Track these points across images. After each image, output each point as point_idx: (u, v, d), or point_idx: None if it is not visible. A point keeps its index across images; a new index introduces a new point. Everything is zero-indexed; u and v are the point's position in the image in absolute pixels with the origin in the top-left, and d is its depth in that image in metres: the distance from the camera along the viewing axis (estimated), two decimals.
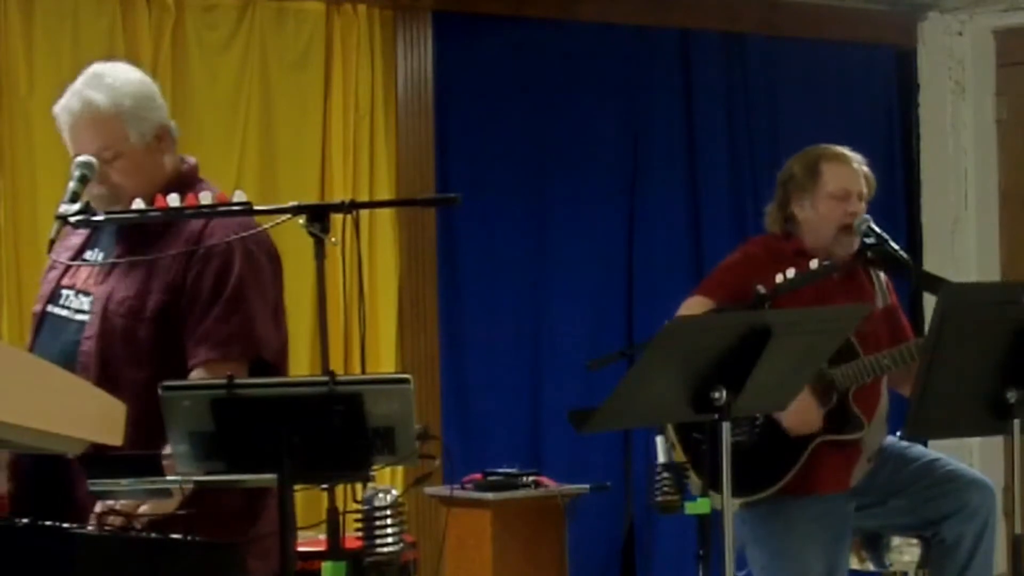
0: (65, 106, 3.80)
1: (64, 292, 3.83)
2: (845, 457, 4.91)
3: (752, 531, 4.95)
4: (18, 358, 3.15)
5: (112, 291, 3.73)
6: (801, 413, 4.75)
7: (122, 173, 3.76)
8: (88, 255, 3.86)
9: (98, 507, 3.49)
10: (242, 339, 3.67)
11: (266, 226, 3.61)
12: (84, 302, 3.77)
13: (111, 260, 3.77)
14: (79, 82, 3.82)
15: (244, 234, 3.66)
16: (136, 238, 3.75)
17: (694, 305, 4.87)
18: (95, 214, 3.64)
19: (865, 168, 5.07)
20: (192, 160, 3.95)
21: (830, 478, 4.88)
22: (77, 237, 3.89)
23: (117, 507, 3.45)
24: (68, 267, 3.85)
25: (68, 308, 3.79)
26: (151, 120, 3.80)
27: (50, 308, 3.83)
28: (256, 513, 3.69)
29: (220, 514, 3.55)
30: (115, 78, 3.82)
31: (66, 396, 3.08)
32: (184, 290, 3.68)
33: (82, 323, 3.74)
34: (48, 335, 3.81)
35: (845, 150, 5.07)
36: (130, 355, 3.65)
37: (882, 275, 5.12)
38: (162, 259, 3.69)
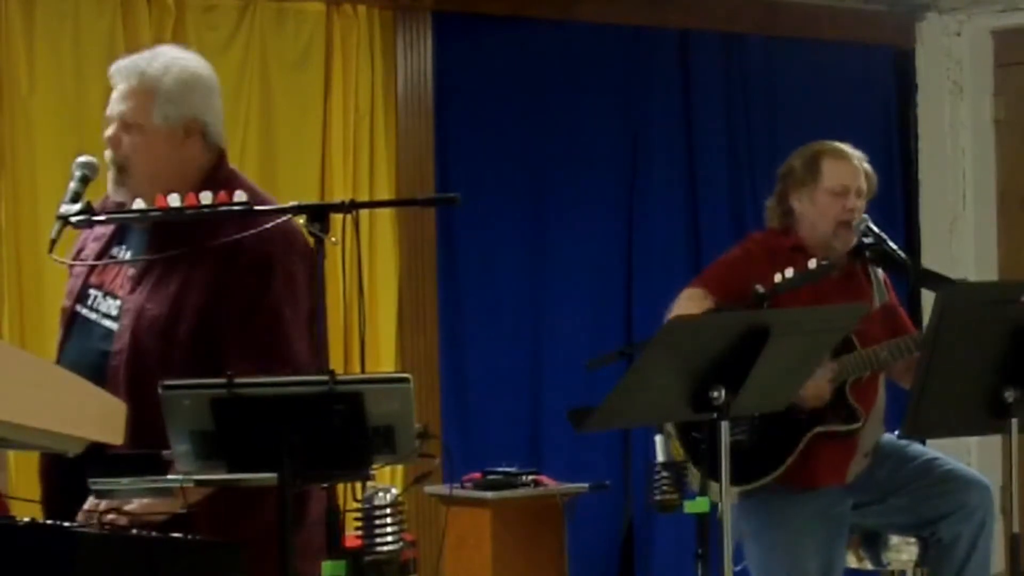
0: (120, 65, 3.78)
1: (91, 292, 3.78)
2: (842, 450, 4.94)
3: (749, 526, 4.97)
4: (18, 357, 3.14)
5: (143, 305, 3.67)
6: (812, 380, 4.74)
7: (133, 145, 3.72)
8: (115, 251, 3.81)
9: (87, 505, 3.49)
10: (279, 357, 3.61)
11: (277, 221, 3.50)
12: (112, 306, 3.72)
13: (136, 259, 3.71)
14: (150, 51, 3.82)
15: (251, 231, 3.53)
16: (166, 244, 3.67)
17: (690, 297, 4.89)
18: (96, 214, 3.63)
19: (866, 165, 5.09)
20: (220, 151, 3.87)
21: (826, 471, 4.91)
22: (105, 227, 3.81)
23: (102, 507, 3.44)
24: (96, 261, 3.80)
25: (96, 311, 3.75)
26: (183, 108, 3.74)
27: (78, 308, 3.79)
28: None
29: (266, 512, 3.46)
30: (173, 58, 3.78)
31: (66, 395, 3.07)
32: (217, 315, 3.61)
33: (109, 331, 3.69)
34: (77, 339, 3.76)
35: (846, 147, 5.09)
36: (163, 378, 3.46)
37: (880, 272, 5.13)
38: (193, 276, 3.63)
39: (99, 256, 3.83)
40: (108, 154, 3.74)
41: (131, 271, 3.73)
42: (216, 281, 3.62)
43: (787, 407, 4.51)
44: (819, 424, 4.86)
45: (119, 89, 3.77)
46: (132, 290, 3.71)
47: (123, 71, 3.77)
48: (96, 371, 3.59)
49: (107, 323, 3.72)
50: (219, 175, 3.79)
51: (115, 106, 3.76)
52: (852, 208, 4.97)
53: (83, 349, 3.74)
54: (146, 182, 3.71)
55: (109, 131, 3.77)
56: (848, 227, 4.97)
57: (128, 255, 3.78)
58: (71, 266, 3.87)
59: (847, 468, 4.95)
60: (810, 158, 5.04)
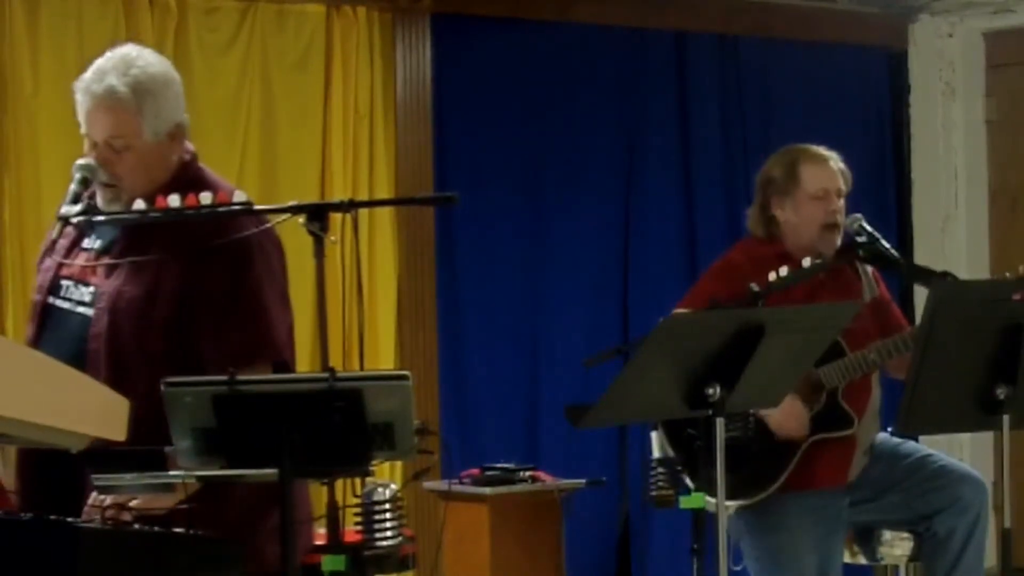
0: (87, 87, 3.77)
1: (64, 283, 3.79)
2: (841, 452, 4.93)
3: (747, 525, 4.98)
4: (21, 354, 3.17)
5: (120, 288, 3.69)
6: (788, 417, 4.80)
7: (127, 166, 3.74)
8: (86, 242, 3.82)
9: (90, 500, 3.51)
10: (265, 345, 3.65)
11: (271, 223, 3.58)
12: (84, 293, 3.74)
13: (117, 261, 3.72)
14: (107, 63, 3.78)
15: (245, 232, 3.60)
16: (140, 232, 3.68)
17: None
18: (96, 214, 3.66)
19: (841, 164, 5.10)
20: (191, 148, 3.88)
21: (828, 473, 4.90)
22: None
23: (107, 503, 3.45)
24: (68, 254, 3.82)
25: (69, 300, 3.76)
26: (168, 119, 3.78)
27: (51, 300, 3.80)
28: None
29: (235, 506, 3.54)
30: (142, 70, 3.77)
31: (69, 391, 3.09)
32: (194, 296, 3.63)
33: (85, 317, 3.71)
34: (53, 330, 3.78)
35: (821, 149, 5.09)
36: (142, 363, 3.58)
37: (868, 268, 5.15)
38: (170, 263, 3.65)
39: (70, 248, 3.84)
40: (103, 176, 3.74)
41: (103, 257, 3.75)
42: (192, 266, 3.64)
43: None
44: (815, 432, 4.88)
45: (96, 113, 3.75)
46: (108, 275, 3.73)
47: (96, 95, 3.75)
48: (75, 358, 3.59)
49: (81, 310, 3.73)
50: (188, 171, 3.82)
51: (97, 130, 3.75)
52: (835, 210, 4.98)
53: (60, 340, 3.74)
54: (139, 191, 3.71)
55: (97, 152, 3.76)
56: (833, 229, 4.98)
57: (98, 243, 3.79)
58: (42, 261, 3.88)
59: (848, 469, 4.96)
60: (788, 166, 5.02)
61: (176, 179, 3.74)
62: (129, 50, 3.85)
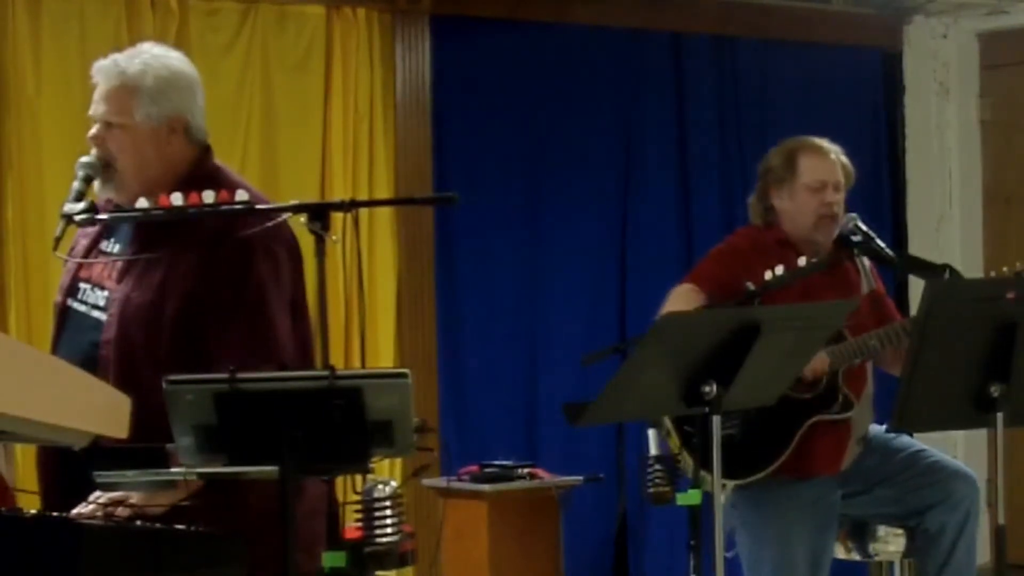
0: (100, 66, 3.80)
1: (82, 286, 3.80)
2: (836, 439, 4.97)
3: (741, 515, 5.01)
4: (24, 352, 3.15)
5: (129, 294, 3.69)
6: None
7: (117, 145, 3.74)
8: (104, 245, 3.83)
9: (91, 497, 3.51)
10: (268, 351, 3.62)
11: (278, 219, 3.56)
12: (99, 297, 3.75)
13: (128, 256, 3.74)
14: (127, 51, 3.83)
15: (252, 230, 3.60)
16: (152, 235, 3.70)
17: (682, 293, 4.93)
18: (98, 212, 3.67)
19: (843, 158, 5.12)
20: (204, 146, 3.88)
21: (822, 460, 4.94)
22: (96, 227, 3.85)
23: (101, 500, 3.46)
24: (86, 256, 3.83)
25: (85, 303, 3.77)
26: (166, 107, 3.75)
27: (70, 302, 3.82)
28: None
29: (255, 506, 3.52)
30: (153, 56, 3.79)
31: (71, 389, 3.09)
32: (202, 298, 3.63)
33: (98, 321, 3.72)
34: (70, 333, 3.79)
35: (822, 141, 5.13)
36: (151, 365, 3.56)
37: (866, 260, 5.18)
38: (178, 263, 3.65)
39: (89, 250, 3.86)
40: (93, 153, 3.76)
41: (119, 262, 3.77)
42: (200, 267, 3.64)
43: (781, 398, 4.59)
44: (815, 414, 4.92)
45: (100, 89, 3.79)
46: (119, 280, 3.74)
47: (104, 71, 3.79)
48: (88, 362, 3.62)
49: (96, 314, 3.74)
50: (204, 170, 3.81)
51: (97, 106, 3.79)
52: (831, 202, 5.01)
53: (74, 341, 3.76)
54: (132, 179, 3.75)
55: (92, 131, 3.80)
56: (829, 220, 5.01)
57: (116, 248, 3.80)
58: (67, 262, 3.89)
59: (843, 457, 4.99)
60: (787, 155, 5.07)
61: (188, 178, 3.73)
62: (151, 45, 3.89)
